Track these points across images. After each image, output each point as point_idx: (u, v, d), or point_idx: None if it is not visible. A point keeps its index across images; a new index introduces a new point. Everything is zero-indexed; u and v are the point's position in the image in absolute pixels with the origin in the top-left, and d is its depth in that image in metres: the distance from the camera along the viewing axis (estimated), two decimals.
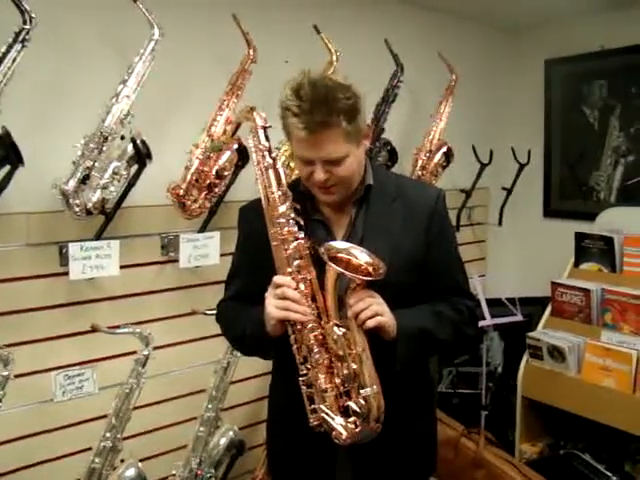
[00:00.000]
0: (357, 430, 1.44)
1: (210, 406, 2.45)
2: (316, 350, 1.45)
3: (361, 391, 1.44)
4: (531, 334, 2.95)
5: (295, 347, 1.47)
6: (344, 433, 1.44)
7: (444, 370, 3.41)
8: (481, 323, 2.89)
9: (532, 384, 2.95)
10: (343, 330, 1.43)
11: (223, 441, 2.52)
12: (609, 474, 2.60)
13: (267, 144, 1.50)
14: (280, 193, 1.49)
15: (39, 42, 1.94)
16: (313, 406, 1.47)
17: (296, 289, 1.45)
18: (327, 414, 1.45)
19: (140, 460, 2.29)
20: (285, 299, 1.43)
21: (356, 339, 1.44)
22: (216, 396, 2.46)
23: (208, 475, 2.45)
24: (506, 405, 3.13)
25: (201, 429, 2.44)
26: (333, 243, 1.48)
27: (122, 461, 2.23)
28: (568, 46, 3.50)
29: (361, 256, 1.46)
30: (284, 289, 1.44)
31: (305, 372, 1.47)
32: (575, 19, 3.43)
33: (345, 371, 1.43)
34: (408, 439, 1.64)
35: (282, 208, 1.48)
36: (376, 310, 1.43)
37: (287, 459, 1.70)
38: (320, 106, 1.40)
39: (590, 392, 2.69)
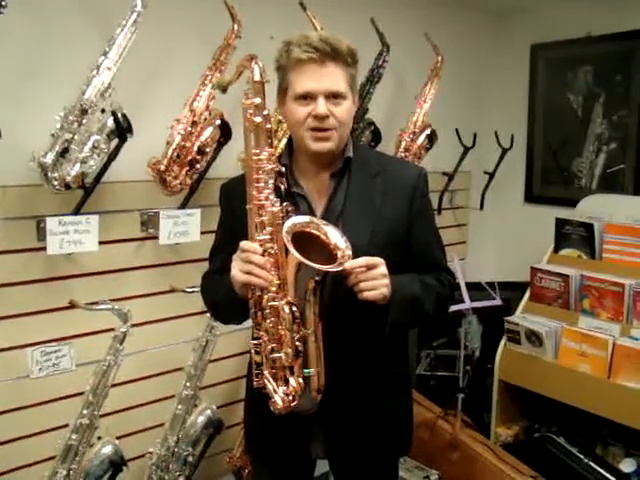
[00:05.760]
0: (293, 404, 1.48)
1: (188, 384, 2.44)
2: (269, 320, 1.46)
3: (304, 370, 1.46)
4: (509, 318, 2.97)
5: (252, 311, 1.49)
6: (280, 403, 1.48)
7: (422, 352, 3.43)
8: (460, 306, 2.91)
9: (509, 368, 2.98)
10: (294, 310, 1.43)
11: (201, 419, 2.51)
12: (581, 456, 2.64)
13: (259, 101, 1.45)
14: (267, 154, 1.46)
15: (17, 10, 1.88)
16: (257, 371, 1.50)
17: (263, 256, 1.45)
18: (269, 381, 1.49)
19: (117, 437, 2.29)
20: (249, 263, 1.44)
21: (307, 320, 1.45)
22: (194, 374, 2.45)
23: (185, 453, 2.45)
24: (483, 388, 3.16)
25: (179, 407, 2.43)
26: (296, 219, 1.46)
27: (99, 438, 2.22)
28: (554, 31, 3.49)
29: (332, 235, 1.45)
30: (249, 254, 1.44)
31: (257, 336, 1.49)
32: (562, 4, 3.42)
33: (288, 349, 1.45)
34: (382, 417, 1.65)
35: (267, 167, 1.46)
36: (377, 284, 1.44)
37: (264, 437, 1.71)
38: (327, 41, 1.50)
39: (566, 377, 2.73)
